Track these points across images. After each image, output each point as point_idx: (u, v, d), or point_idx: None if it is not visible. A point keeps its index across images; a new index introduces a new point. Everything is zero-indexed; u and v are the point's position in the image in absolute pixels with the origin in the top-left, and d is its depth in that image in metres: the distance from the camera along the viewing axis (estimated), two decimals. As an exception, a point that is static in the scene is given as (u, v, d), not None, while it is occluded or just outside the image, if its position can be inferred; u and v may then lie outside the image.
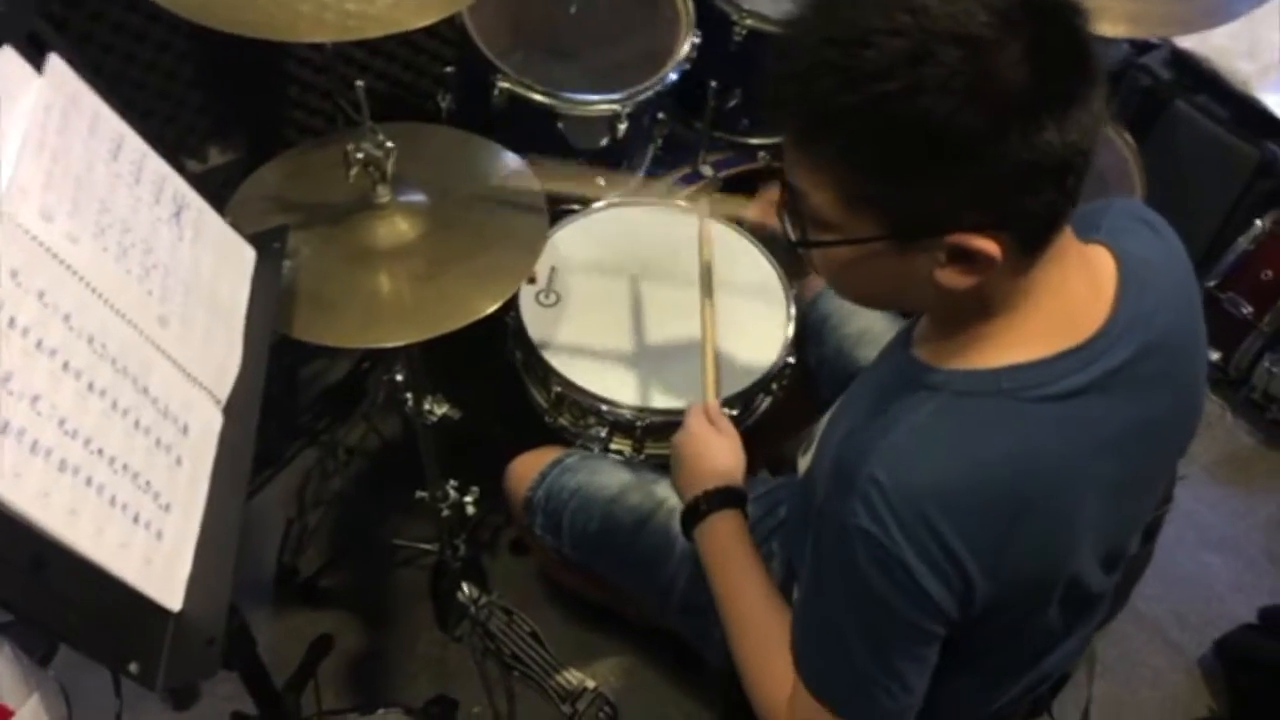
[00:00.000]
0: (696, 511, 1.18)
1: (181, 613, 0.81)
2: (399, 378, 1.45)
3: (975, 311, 0.86)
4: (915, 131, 0.74)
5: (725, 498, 1.17)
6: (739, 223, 1.60)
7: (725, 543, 1.15)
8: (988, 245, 0.78)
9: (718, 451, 1.24)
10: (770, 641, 1.00)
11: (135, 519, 0.79)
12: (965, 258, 0.79)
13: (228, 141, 1.80)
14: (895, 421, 0.85)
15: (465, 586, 1.70)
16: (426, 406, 1.43)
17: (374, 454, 1.95)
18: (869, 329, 1.49)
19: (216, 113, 1.76)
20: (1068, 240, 0.85)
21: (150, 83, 1.65)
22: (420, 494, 1.56)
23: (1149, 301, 0.89)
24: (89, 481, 0.75)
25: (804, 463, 1.10)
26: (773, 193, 1.42)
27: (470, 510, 1.60)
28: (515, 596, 1.75)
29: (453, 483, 1.57)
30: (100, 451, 0.77)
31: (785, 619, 1.01)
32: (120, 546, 0.76)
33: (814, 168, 0.81)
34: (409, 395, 1.41)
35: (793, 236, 0.89)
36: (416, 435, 1.47)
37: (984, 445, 0.84)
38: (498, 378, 1.55)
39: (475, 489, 1.58)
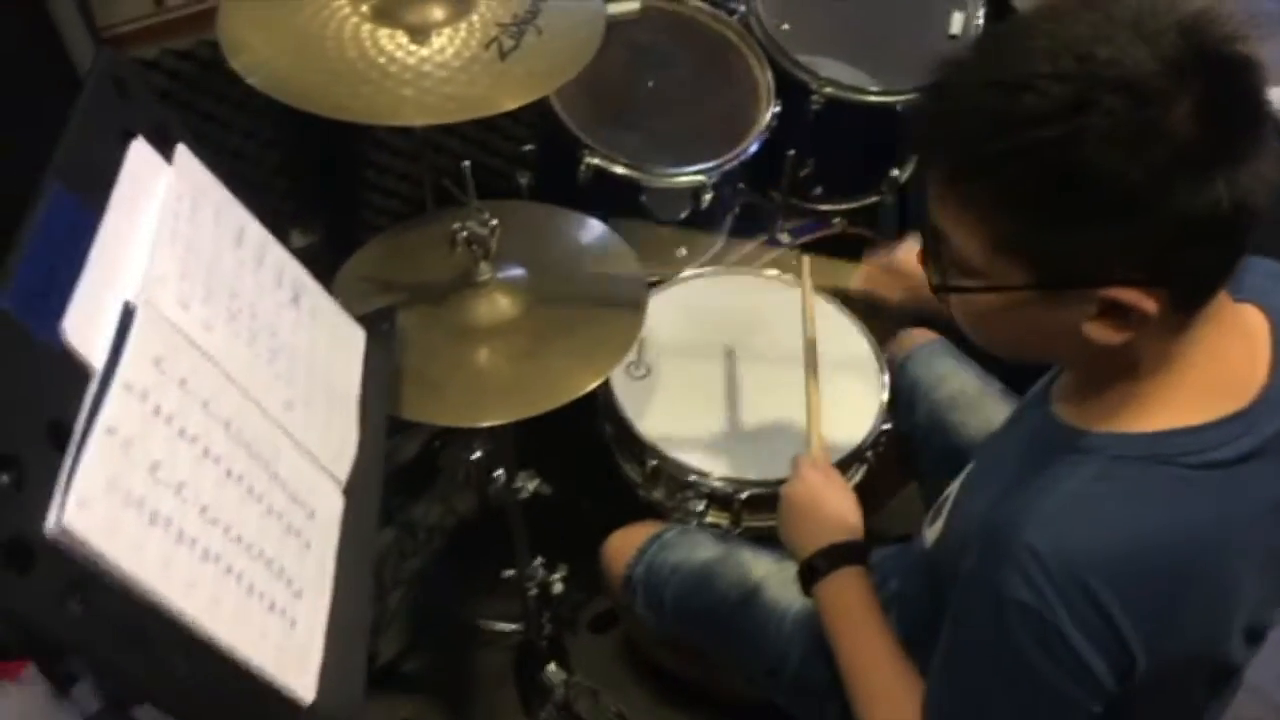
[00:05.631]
0: (815, 569, 1.13)
1: (314, 705, 0.78)
2: (475, 455, 1.43)
3: (1124, 370, 0.83)
4: (1073, 180, 0.71)
5: (846, 553, 1.13)
6: (838, 293, 1.58)
7: (849, 603, 1.10)
8: (1144, 301, 0.75)
9: (833, 499, 1.19)
10: (902, 708, 0.97)
11: (271, 607, 0.77)
12: (1118, 312, 0.77)
13: (308, 225, 1.82)
14: (1049, 488, 0.82)
15: (552, 667, 1.66)
16: (518, 483, 1.41)
17: (452, 533, 1.93)
18: (961, 392, 1.46)
19: (298, 197, 1.79)
20: (1223, 299, 0.82)
21: (238, 169, 1.68)
22: (508, 573, 1.53)
23: None
24: (229, 569, 0.74)
25: (932, 533, 1.06)
26: (877, 261, 1.40)
27: (558, 588, 1.57)
28: (597, 676, 1.70)
29: (540, 560, 1.54)
30: (239, 538, 0.76)
31: (915, 685, 0.97)
32: (260, 636, 0.75)
33: (962, 211, 0.79)
34: (500, 471, 1.40)
35: (933, 281, 0.86)
36: (497, 513, 1.44)
37: (1145, 513, 0.80)
38: (583, 451, 1.54)
39: (564, 566, 1.56)
